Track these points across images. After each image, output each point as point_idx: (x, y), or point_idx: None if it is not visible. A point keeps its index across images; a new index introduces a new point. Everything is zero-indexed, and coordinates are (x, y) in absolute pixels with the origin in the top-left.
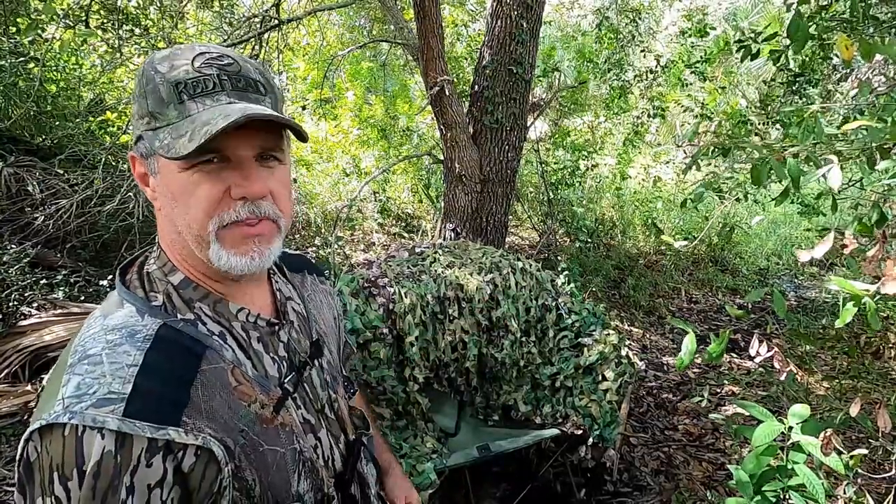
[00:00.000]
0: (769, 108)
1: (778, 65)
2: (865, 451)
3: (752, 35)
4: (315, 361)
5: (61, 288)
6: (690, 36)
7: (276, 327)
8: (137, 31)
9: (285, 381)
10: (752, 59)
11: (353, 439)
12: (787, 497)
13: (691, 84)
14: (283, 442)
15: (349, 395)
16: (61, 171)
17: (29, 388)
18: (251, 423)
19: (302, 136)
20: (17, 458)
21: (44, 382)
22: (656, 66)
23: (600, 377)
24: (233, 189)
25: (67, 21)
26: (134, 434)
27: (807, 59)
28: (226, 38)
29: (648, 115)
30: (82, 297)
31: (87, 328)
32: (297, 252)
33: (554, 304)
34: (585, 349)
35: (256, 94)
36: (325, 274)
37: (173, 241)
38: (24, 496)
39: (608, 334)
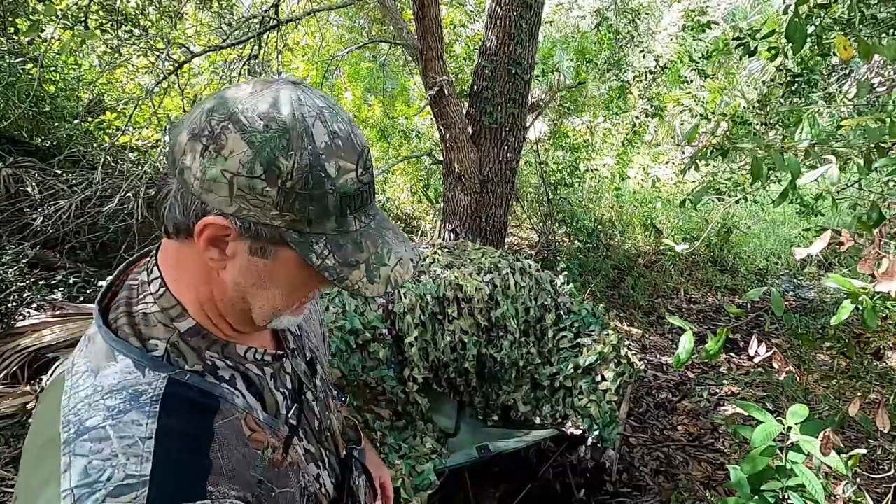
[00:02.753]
0: (768, 108)
1: (776, 65)
2: (864, 451)
3: (751, 32)
4: (311, 381)
5: (60, 289)
6: (692, 29)
7: (283, 359)
8: (136, 31)
9: (290, 415)
10: (749, 56)
11: (345, 455)
12: (786, 497)
13: (692, 82)
14: (291, 481)
15: (341, 404)
16: (60, 172)
17: (28, 388)
18: (265, 470)
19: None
20: None
21: (21, 465)
22: (655, 67)
23: (599, 377)
24: (322, 286)
25: (66, 22)
26: None
27: (806, 59)
28: (225, 38)
29: (647, 116)
30: (81, 298)
31: (73, 389)
32: None
33: (553, 304)
34: (585, 349)
35: (371, 196)
36: None
37: (210, 299)
38: None
39: (607, 334)
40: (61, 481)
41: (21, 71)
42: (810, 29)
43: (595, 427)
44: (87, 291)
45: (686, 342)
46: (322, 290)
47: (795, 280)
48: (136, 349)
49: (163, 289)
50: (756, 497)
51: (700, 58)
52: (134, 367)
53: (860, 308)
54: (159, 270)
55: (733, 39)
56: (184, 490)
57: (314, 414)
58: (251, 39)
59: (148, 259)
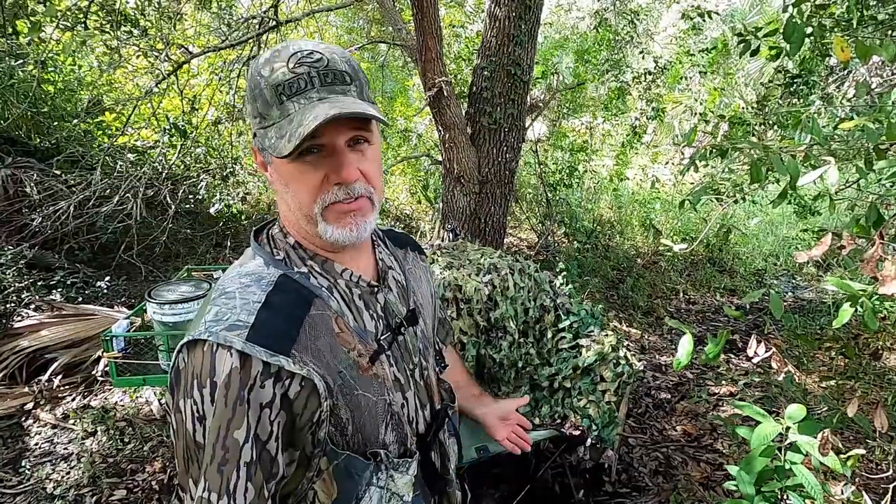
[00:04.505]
0: (766, 109)
1: (775, 66)
2: (863, 451)
3: (753, 30)
4: (410, 328)
5: (59, 289)
6: (692, 20)
7: (376, 289)
8: (135, 32)
9: (381, 337)
10: (751, 55)
11: (439, 409)
12: (785, 497)
13: (690, 78)
14: (375, 391)
15: (440, 370)
16: (59, 173)
17: (26, 389)
18: (349, 367)
19: (384, 123)
20: (171, 365)
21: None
22: (655, 68)
23: (599, 378)
24: (330, 175)
25: (66, 22)
26: (253, 356)
27: (804, 59)
28: (224, 39)
29: (646, 117)
30: (80, 299)
31: (228, 272)
32: (403, 232)
33: (552, 304)
34: (584, 350)
35: (343, 84)
36: (426, 253)
37: (286, 216)
38: (172, 396)
39: (606, 335)
40: (205, 317)
41: (20, 72)
42: (808, 30)
43: (594, 428)
44: (86, 292)
45: (686, 345)
46: (314, 179)
47: (794, 281)
48: (268, 253)
49: (279, 219)
50: (756, 497)
51: (699, 52)
52: (263, 264)
53: (860, 310)
54: None
55: (736, 35)
56: (273, 342)
57: (409, 354)
58: (250, 40)
59: None
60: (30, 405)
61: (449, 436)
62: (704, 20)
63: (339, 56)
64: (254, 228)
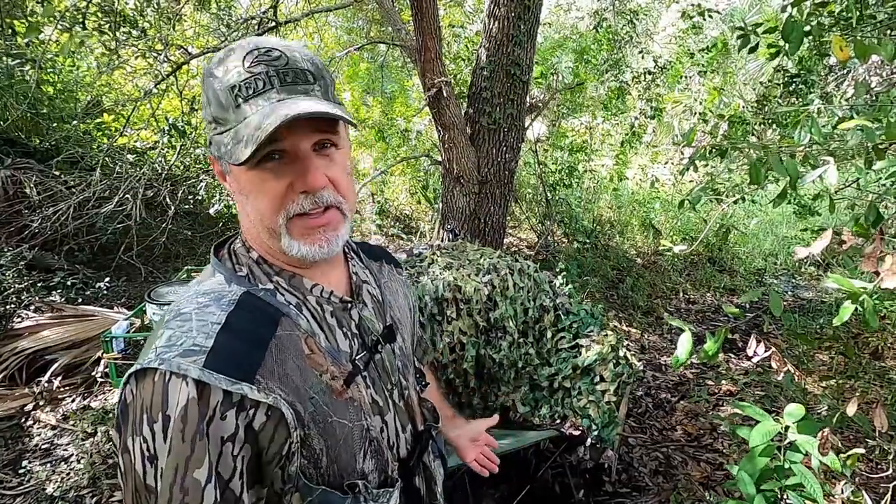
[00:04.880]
0: (766, 108)
1: (774, 65)
2: (863, 451)
3: (752, 27)
4: (387, 345)
5: (58, 290)
6: (691, 19)
7: (350, 305)
8: (134, 33)
9: (356, 357)
10: (750, 52)
11: (422, 430)
12: (784, 496)
13: (690, 77)
14: (351, 416)
15: (421, 388)
16: (58, 174)
17: (26, 391)
18: (321, 392)
19: (351, 124)
20: (118, 399)
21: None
22: (654, 67)
23: (598, 378)
24: (294, 183)
25: (65, 23)
26: (212, 385)
27: (804, 59)
28: (223, 40)
29: (646, 117)
30: (79, 300)
31: (185, 292)
32: (378, 244)
33: (552, 304)
34: (583, 350)
35: (305, 83)
36: (402, 266)
37: (248, 228)
38: (119, 434)
39: (606, 335)
40: (156, 342)
41: (19, 73)
42: (807, 29)
43: (594, 427)
44: (86, 293)
45: (685, 344)
46: (276, 187)
47: (793, 280)
48: (229, 269)
49: (241, 231)
50: (756, 496)
51: (699, 51)
52: (224, 281)
53: (861, 308)
54: None
55: (735, 29)
56: (234, 367)
57: (387, 373)
58: None
59: None
60: (30, 406)
61: (434, 458)
62: (704, 19)
63: (301, 53)
64: (214, 243)
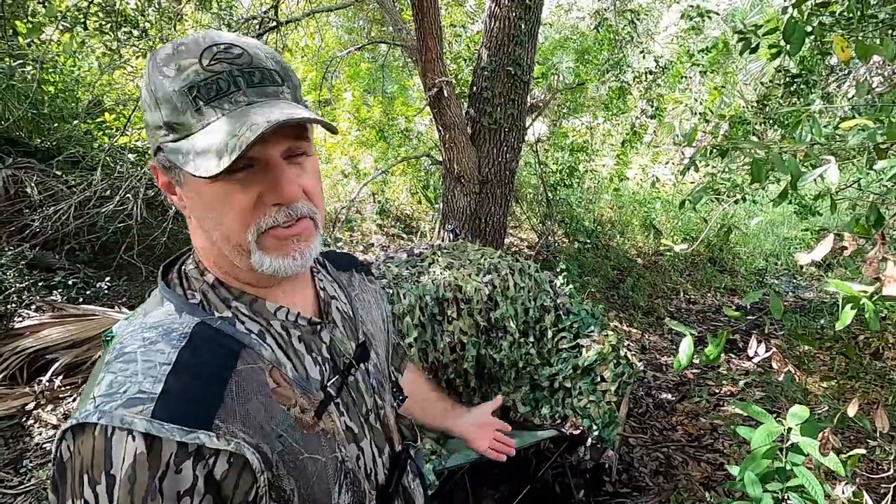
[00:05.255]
0: (767, 108)
1: (775, 65)
2: (863, 451)
3: (753, 28)
4: (361, 365)
5: (59, 290)
6: (692, 20)
7: (319, 327)
8: (136, 32)
9: (328, 384)
10: (751, 53)
11: (399, 451)
12: (786, 497)
13: (691, 77)
14: (324, 450)
15: (398, 403)
16: (59, 173)
17: (27, 390)
18: (290, 428)
19: (332, 130)
20: (52, 456)
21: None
22: (655, 67)
23: (599, 378)
24: (265, 195)
25: (66, 23)
26: (163, 437)
27: (805, 59)
28: None
29: (647, 117)
30: (80, 300)
31: (128, 325)
32: (345, 252)
33: (552, 304)
34: (584, 350)
35: (273, 85)
36: (374, 273)
37: (206, 247)
38: (56, 496)
39: (607, 335)
40: (94, 390)
41: (20, 72)
42: (809, 29)
43: (594, 427)
44: (87, 293)
45: (686, 347)
46: (245, 200)
47: (794, 280)
48: (179, 297)
49: (194, 250)
50: (760, 496)
51: (700, 52)
52: (174, 311)
53: (862, 311)
54: None
55: (736, 32)
56: (188, 414)
57: (362, 396)
58: None
59: None
60: (31, 406)
61: (413, 478)
62: (704, 20)
63: (263, 52)
64: (162, 265)
